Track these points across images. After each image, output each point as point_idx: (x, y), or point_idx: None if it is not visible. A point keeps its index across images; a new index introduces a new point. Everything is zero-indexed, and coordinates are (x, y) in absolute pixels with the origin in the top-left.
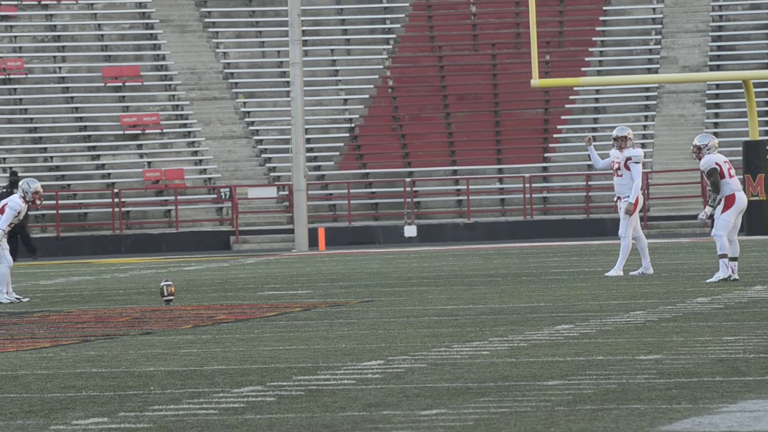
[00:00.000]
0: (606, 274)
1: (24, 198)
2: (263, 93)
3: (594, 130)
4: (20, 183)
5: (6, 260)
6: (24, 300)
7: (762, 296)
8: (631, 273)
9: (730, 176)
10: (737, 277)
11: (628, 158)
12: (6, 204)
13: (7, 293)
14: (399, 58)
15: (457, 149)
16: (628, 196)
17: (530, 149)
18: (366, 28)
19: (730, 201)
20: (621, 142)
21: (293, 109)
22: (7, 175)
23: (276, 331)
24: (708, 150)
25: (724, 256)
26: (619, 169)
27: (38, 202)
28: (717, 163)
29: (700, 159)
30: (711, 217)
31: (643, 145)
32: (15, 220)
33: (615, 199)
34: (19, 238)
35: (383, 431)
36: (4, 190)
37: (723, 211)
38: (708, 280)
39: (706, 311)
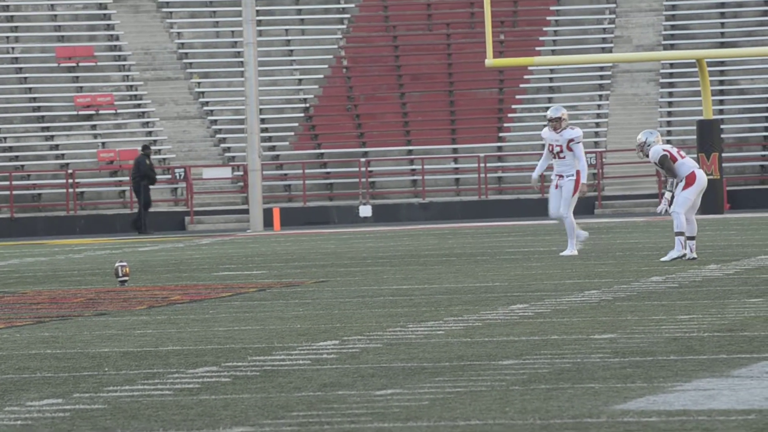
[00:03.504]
0: (561, 254)
1: None
2: (217, 73)
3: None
4: None
5: None
6: None
7: (716, 275)
8: (561, 254)
9: (682, 157)
10: (696, 256)
11: (570, 140)
12: None
13: None
14: (353, 38)
15: (411, 129)
16: (572, 176)
17: (485, 129)
18: (320, 8)
19: (690, 179)
20: (556, 123)
21: (247, 89)
22: (139, 149)
23: (231, 311)
24: (648, 143)
25: (680, 234)
26: (561, 151)
27: None
28: (665, 150)
29: (644, 155)
30: (671, 203)
31: (597, 125)
32: None
33: (556, 177)
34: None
35: (338, 411)
36: (148, 164)
37: (684, 188)
38: (662, 259)
39: (661, 290)
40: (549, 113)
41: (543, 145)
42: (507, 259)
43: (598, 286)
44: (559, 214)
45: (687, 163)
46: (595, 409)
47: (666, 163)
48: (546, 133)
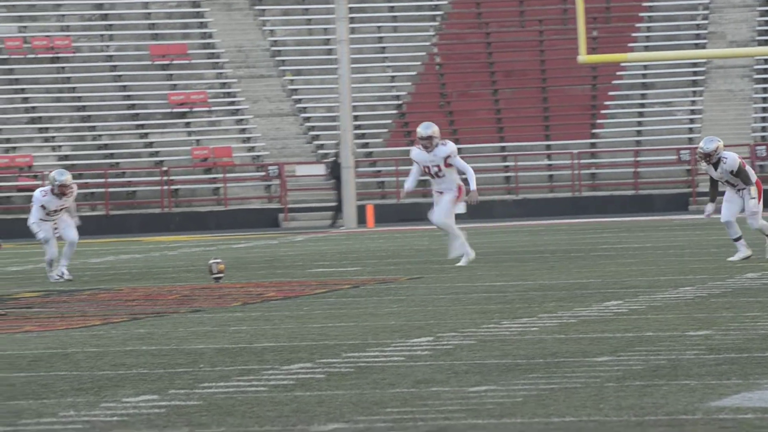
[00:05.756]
0: (459, 264)
1: (52, 190)
2: (310, 70)
3: (642, 105)
4: (50, 174)
5: (67, 238)
6: (67, 278)
7: None
8: (458, 264)
9: (744, 164)
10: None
11: (447, 157)
12: None
13: (57, 268)
14: (446, 35)
15: (504, 126)
16: (452, 190)
17: (578, 125)
18: (413, 5)
19: (759, 184)
20: (427, 142)
21: (340, 86)
22: (328, 160)
23: (325, 308)
24: (719, 152)
25: (738, 239)
26: (439, 170)
27: (68, 192)
28: (740, 157)
29: (708, 164)
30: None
31: (691, 121)
32: (56, 208)
33: (437, 194)
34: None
35: (432, 408)
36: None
37: (759, 197)
38: None
39: (756, 287)
40: (420, 131)
41: (637, 141)
42: (601, 256)
43: (692, 282)
44: (444, 223)
45: (750, 170)
46: (690, 406)
47: (743, 171)
48: (417, 155)
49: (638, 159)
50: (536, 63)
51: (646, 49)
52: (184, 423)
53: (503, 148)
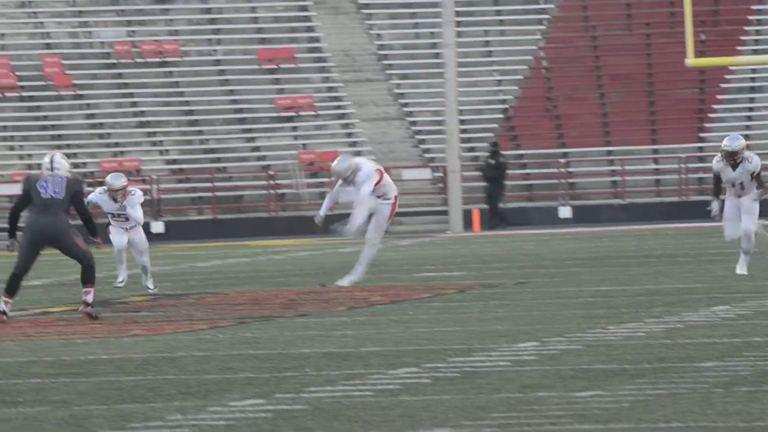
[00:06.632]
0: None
1: (108, 192)
2: (417, 74)
3: (750, 110)
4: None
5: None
6: (151, 291)
7: None
8: (341, 282)
9: None
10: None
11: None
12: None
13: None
14: (553, 39)
15: (611, 129)
16: (389, 201)
17: (685, 129)
18: (519, 8)
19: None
20: (344, 176)
21: (447, 90)
22: (488, 148)
23: (431, 312)
24: (744, 151)
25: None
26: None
27: (119, 198)
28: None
29: (729, 163)
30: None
31: None
32: (113, 211)
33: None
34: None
35: (538, 413)
36: (490, 162)
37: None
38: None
39: None
40: (334, 166)
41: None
42: (708, 261)
43: None
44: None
45: None
46: None
47: (761, 174)
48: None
49: None
50: (643, 66)
51: (755, 52)
52: (291, 427)
53: (610, 152)
